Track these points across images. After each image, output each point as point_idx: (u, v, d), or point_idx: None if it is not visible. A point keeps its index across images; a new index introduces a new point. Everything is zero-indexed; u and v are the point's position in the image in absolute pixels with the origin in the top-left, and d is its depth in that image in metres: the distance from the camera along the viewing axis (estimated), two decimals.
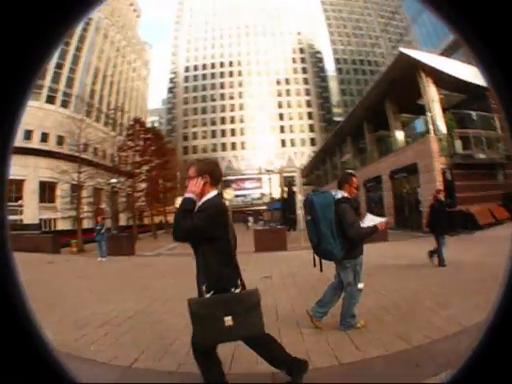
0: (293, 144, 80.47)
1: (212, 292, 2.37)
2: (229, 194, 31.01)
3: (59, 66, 48.56)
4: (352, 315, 4.14)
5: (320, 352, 3.57)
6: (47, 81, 46.83)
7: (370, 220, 4.13)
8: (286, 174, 70.46)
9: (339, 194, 4.06)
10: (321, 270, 4.17)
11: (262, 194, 68.70)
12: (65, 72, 49.28)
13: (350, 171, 4.74)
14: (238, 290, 2.45)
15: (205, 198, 2.57)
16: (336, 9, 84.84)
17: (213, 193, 2.61)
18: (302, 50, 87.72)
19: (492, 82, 0.61)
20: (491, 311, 0.63)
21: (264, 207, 55.44)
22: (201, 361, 2.54)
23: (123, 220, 44.94)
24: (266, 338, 2.69)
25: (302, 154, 77.14)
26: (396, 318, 4.56)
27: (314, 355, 3.45)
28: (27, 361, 0.62)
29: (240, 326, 2.29)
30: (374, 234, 4.05)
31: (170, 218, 46.97)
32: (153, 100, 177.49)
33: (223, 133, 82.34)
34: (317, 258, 4.13)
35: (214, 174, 2.67)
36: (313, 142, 78.99)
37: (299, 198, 24.57)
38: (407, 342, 3.70)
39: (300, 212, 23.02)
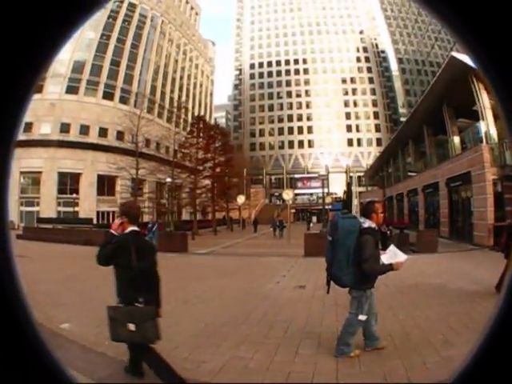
0: (359, 144, 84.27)
1: (122, 303, 3.53)
2: (287, 195, 31.88)
3: (116, 63, 53.50)
4: (346, 343, 4.40)
5: (299, 372, 4.11)
6: (103, 78, 51.83)
7: (392, 254, 4.35)
8: (351, 174, 72.76)
9: (366, 223, 4.25)
10: (327, 292, 4.62)
11: (328, 194, 70.29)
12: (122, 69, 53.94)
13: (372, 199, 5.30)
14: (140, 305, 3.48)
15: (120, 234, 3.67)
16: (395, 8, 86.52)
17: (128, 229, 3.69)
18: (365, 49, 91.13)
19: (490, 82, 0.64)
20: (492, 314, 0.67)
21: (328, 207, 56.38)
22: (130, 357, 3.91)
23: (186, 215, 47.45)
24: (154, 349, 3.63)
25: (369, 154, 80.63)
26: (396, 351, 4.68)
27: (293, 374, 4.05)
28: (25, 361, 0.65)
29: (139, 333, 3.37)
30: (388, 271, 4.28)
31: (233, 215, 50.50)
32: (218, 96, 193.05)
33: (290, 130, 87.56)
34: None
35: (129, 214, 3.78)
36: (379, 142, 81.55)
37: (355, 203, 24.53)
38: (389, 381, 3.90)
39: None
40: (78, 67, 51.10)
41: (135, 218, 3.87)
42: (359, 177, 75.72)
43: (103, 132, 49.02)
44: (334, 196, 62.47)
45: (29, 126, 47.46)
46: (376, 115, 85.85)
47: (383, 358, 4.48)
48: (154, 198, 39.46)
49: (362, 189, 68.72)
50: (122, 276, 3.61)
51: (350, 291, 4.44)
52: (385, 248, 4.56)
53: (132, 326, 3.35)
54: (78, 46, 51.24)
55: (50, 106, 47.93)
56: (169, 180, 32.08)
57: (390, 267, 4.18)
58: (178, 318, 6.45)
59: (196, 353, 4.81)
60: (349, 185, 40.68)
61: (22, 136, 46.33)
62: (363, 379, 3.97)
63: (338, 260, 4.26)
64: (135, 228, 3.75)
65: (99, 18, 52.67)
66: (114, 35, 54.02)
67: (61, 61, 49.98)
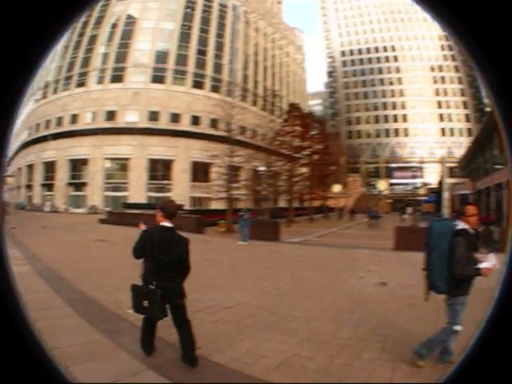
0: (452, 133, 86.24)
1: (142, 284, 4.43)
2: (382, 185, 32.18)
3: (202, 53, 56.13)
4: (430, 348, 4.50)
5: (352, 377, 4.29)
6: (191, 67, 54.54)
7: (490, 260, 4.20)
8: (447, 165, 72.75)
9: (460, 225, 4.31)
10: (425, 300, 4.60)
11: (424, 184, 72.62)
12: (209, 58, 56.52)
13: (467, 200, 5.22)
14: (152, 287, 4.29)
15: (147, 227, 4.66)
16: None
17: (160, 223, 4.49)
18: (447, 38, 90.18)
19: (486, 82, 0.69)
20: (488, 312, 0.73)
21: (423, 198, 56.54)
22: (142, 327, 4.69)
23: (283, 202, 48.75)
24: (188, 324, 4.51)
25: (461, 145, 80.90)
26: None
27: (347, 379, 4.27)
28: (22, 361, 0.69)
29: (149, 309, 4.26)
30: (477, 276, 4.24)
31: (330, 203, 52.41)
32: (314, 84, 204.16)
33: (386, 118, 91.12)
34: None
35: (165, 210, 4.51)
36: (469, 132, 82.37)
37: (445, 196, 24.39)
38: None
39: (446, 210, 23.11)
40: (161, 57, 54.16)
41: (170, 214, 4.52)
42: (451, 168, 75.49)
43: (196, 120, 51.84)
44: (429, 187, 62.63)
45: (112, 115, 51.45)
46: (465, 105, 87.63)
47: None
48: (250, 185, 40.81)
49: (454, 180, 68.66)
50: (147, 263, 4.48)
51: (446, 298, 4.50)
52: (476, 250, 4.46)
53: (146, 303, 4.28)
54: (157, 37, 54.87)
55: (133, 94, 51.27)
56: (262, 168, 33.19)
57: (478, 272, 4.16)
58: (255, 309, 7.03)
59: (260, 347, 5.15)
60: (442, 176, 40.83)
61: (105, 124, 49.83)
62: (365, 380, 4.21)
63: (432, 264, 4.38)
64: (166, 224, 4.44)
65: (175, 8, 56.26)
66: (196, 25, 56.87)
67: (141, 51, 53.49)
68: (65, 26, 0.65)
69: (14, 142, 78.90)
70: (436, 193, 49.23)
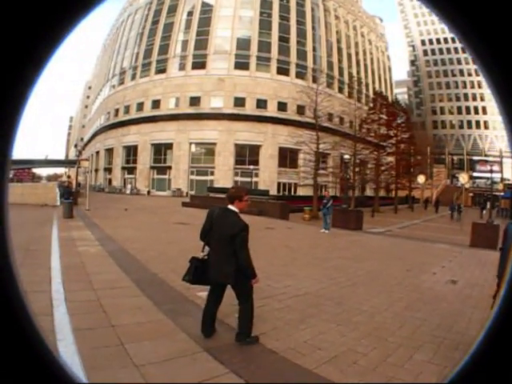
0: None
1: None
2: (463, 179, 34.59)
3: (285, 40, 59.86)
4: None
5: (399, 379, 4.53)
6: (274, 53, 58.47)
7: None
8: None
9: None
10: (492, 307, 5.80)
11: (502, 179, 75.70)
12: (292, 45, 60.19)
13: None
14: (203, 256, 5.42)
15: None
16: None
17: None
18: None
19: (491, 82, 0.74)
20: (494, 311, 0.78)
21: (502, 193, 58.21)
22: (204, 308, 5.45)
23: (370, 191, 52.81)
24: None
25: None
26: None
27: (393, 379, 4.49)
28: (26, 361, 0.73)
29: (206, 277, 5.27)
30: None
31: (415, 193, 55.84)
32: (399, 71, 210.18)
33: (467, 110, 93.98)
34: None
35: (226, 194, 5.42)
36: None
37: None
38: None
39: None
40: (243, 44, 58.21)
41: (228, 197, 5.25)
42: None
43: (282, 106, 55.47)
44: (507, 182, 63.85)
45: (196, 100, 56.02)
46: None
47: None
48: (337, 172, 44.32)
49: None
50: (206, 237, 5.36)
51: None
52: None
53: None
54: (237, 24, 58.93)
55: (218, 81, 55.71)
56: (347, 156, 36.00)
57: None
58: (322, 299, 7.54)
59: (318, 338, 5.54)
60: None
61: (189, 109, 54.62)
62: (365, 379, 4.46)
63: (505, 269, 4.89)
64: (229, 206, 5.21)
65: None
66: (275, 13, 60.30)
67: (222, 38, 57.92)
68: (71, 26, 0.70)
69: (89, 127, 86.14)
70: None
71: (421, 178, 46.65)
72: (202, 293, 6.82)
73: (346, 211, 24.52)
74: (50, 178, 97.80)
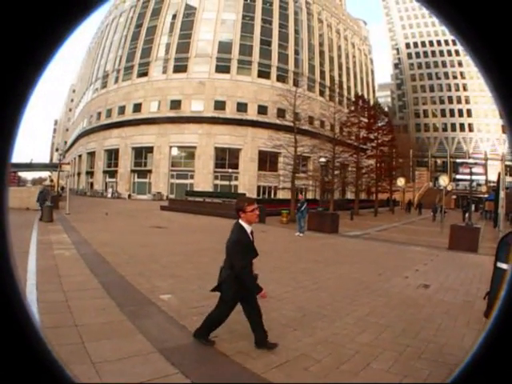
0: None
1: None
2: (444, 181, 34.41)
3: (266, 43, 59.73)
4: None
5: None
6: (255, 57, 58.36)
7: None
8: (507, 163, 75.16)
9: None
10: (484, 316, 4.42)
11: (486, 182, 76.24)
12: (274, 48, 60.11)
13: None
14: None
15: None
16: None
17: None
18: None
19: (491, 82, 0.73)
20: (495, 311, 0.76)
21: (486, 196, 58.66)
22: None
23: (350, 194, 52.49)
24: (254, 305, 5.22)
25: None
26: None
27: None
28: (24, 361, 0.72)
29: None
30: None
31: (397, 196, 55.80)
32: (382, 75, 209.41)
33: (451, 112, 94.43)
34: None
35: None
36: None
37: (501, 195, 25.08)
38: None
39: (501, 211, 24.22)
40: (224, 47, 58.04)
41: (235, 210, 5.22)
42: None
43: (263, 109, 55.30)
44: (491, 185, 64.70)
45: (177, 104, 55.87)
46: None
47: None
48: (316, 175, 44.03)
49: None
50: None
51: None
52: None
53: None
54: (220, 28, 58.74)
55: (198, 84, 55.43)
56: (322, 160, 35.74)
57: None
58: (283, 303, 7.50)
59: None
60: (499, 175, 42.64)
61: (169, 113, 54.40)
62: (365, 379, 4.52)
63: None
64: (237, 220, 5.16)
65: None
66: (258, 16, 60.19)
67: (204, 41, 57.60)
68: (71, 27, 0.70)
69: (73, 131, 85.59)
70: (496, 191, 50.92)
71: (400, 181, 46.62)
72: (165, 295, 7.47)
73: (322, 214, 24.36)
74: (35, 182, 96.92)
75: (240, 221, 5.07)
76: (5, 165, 0.70)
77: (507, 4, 0.64)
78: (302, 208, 20.92)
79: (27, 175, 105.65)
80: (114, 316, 6.22)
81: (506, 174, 79.92)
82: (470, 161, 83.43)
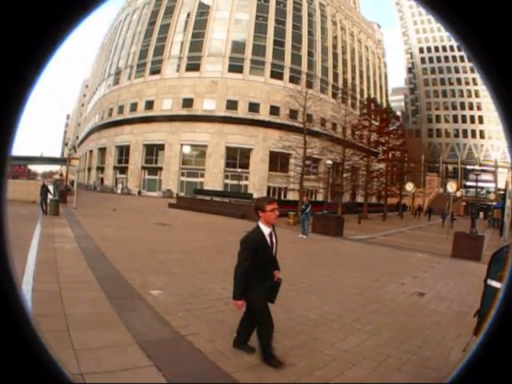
0: None
1: None
2: (451, 187, 34.14)
3: (280, 44, 59.77)
4: None
5: None
6: (268, 57, 58.42)
7: None
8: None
9: None
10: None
11: (496, 189, 76.33)
12: (287, 49, 60.10)
13: None
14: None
15: None
16: None
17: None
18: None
19: (489, 83, 0.73)
20: (494, 311, 0.77)
21: (494, 203, 58.45)
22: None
23: (360, 198, 52.34)
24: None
25: None
26: None
27: None
28: (22, 361, 0.72)
29: None
30: None
31: (407, 201, 55.56)
32: (396, 79, 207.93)
33: (463, 119, 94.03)
34: None
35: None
36: None
37: (508, 204, 24.65)
38: None
39: (507, 220, 23.81)
40: (238, 47, 58.25)
41: (254, 211, 5.09)
42: None
43: (275, 110, 55.05)
44: (500, 193, 65.02)
45: (189, 102, 56.02)
46: None
47: None
48: (325, 178, 43.99)
49: None
50: None
51: None
52: None
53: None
54: (233, 27, 58.85)
55: (211, 83, 55.61)
56: (329, 162, 35.47)
57: None
58: (271, 305, 6.58)
59: (250, 344, 5.26)
60: (506, 183, 42.44)
61: (182, 111, 54.61)
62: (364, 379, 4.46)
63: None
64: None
65: None
66: (271, 17, 60.19)
67: (217, 40, 57.80)
68: (71, 27, 0.71)
69: (84, 126, 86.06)
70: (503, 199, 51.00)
71: (409, 186, 46.34)
72: (155, 291, 7.54)
73: (327, 217, 24.17)
74: (45, 176, 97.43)
75: (259, 222, 4.93)
76: (4, 161, 0.71)
77: (505, 5, 0.65)
78: (307, 210, 20.97)
79: (37, 168, 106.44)
80: (103, 308, 6.41)
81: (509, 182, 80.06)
82: (479, 168, 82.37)
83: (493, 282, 3.29)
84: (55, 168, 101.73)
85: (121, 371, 4.27)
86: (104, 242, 12.85)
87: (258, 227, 4.91)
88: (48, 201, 21.99)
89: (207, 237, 17.08)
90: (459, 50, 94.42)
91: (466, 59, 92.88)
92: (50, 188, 24.55)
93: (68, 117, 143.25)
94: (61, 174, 62.62)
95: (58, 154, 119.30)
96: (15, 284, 0.74)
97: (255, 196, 44.96)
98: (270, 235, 4.94)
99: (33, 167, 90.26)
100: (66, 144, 74.24)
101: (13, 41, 0.64)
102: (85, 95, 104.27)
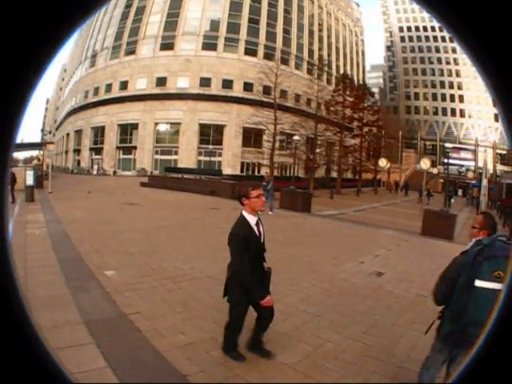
0: None
1: None
2: (425, 164, 33.86)
3: (254, 21, 59.19)
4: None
5: None
6: (242, 35, 58.01)
7: None
8: (498, 151, 77.63)
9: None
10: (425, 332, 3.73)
11: (476, 168, 76.63)
12: (262, 27, 59.59)
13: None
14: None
15: None
16: None
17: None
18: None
19: (488, 82, 0.71)
20: (495, 311, 0.75)
21: (473, 182, 59.03)
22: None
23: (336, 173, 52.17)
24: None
25: None
26: None
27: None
28: (22, 361, 0.72)
29: None
30: None
31: (383, 177, 55.21)
32: (375, 56, 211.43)
33: (443, 97, 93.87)
34: None
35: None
36: None
37: (484, 183, 24.52)
38: None
39: (483, 199, 23.70)
40: (212, 25, 57.63)
41: (237, 199, 4.54)
42: (503, 155, 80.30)
43: (249, 86, 54.43)
44: (480, 171, 66.01)
45: (163, 81, 55.62)
46: None
47: None
48: (295, 153, 43.78)
49: (507, 168, 71.76)
50: None
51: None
52: None
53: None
54: (208, 6, 58.07)
55: (184, 61, 55.15)
56: (296, 138, 35.07)
57: None
58: (217, 283, 6.58)
59: (188, 324, 5.44)
60: (484, 163, 42.46)
61: (156, 90, 54.16)
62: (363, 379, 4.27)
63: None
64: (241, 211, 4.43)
65: None
66: None
67: (191, 19, 57.07)
68: (71, 29, 0.70)
69: (62, 110, 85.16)
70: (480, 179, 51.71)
71: (382, 162, 46.13)
72: (109, 272, 7.70)
73: (294, 192, 23.40)
74: (26, 161, 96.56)
75: (243, 212, 4.41)
76: (6, 163, 0.71)
77: (504, 5, 0.64)
78: (269, 186, 19.97)
79: (19, 155, 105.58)
80: (60, 290, 6.55)
81: (497, 163, 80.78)
82: (459, 146, 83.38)
83: (484, 283, 2.91)
84: (35, 153, 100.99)
85: (66, 348, 4.38)
86: (71, 224, 12.97)
87: (242, 217, 4.40)
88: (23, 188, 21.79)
89: (172, 215, 17.03)
90: (441, 30, 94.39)
91: (447, 39, 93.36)
92: (30, 175, 23.92)
93: (47, 101, 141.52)
94: (39, 159, 62.13)
95: (39, 139, 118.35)
96: (16, 284, 0.75)
97: (229, 172, 45.25)
98: (257, 224, 4.44)
99: (14, 154, 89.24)
100: (42, 130, 73.22)
101: (14, 44, 0.64)
102: (63, 79, 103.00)
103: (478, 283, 2.92)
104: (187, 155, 53.52)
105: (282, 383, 4.11)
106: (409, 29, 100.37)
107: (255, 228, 4.39)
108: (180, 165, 50.21)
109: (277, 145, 40.37)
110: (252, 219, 4.38)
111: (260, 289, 4.29)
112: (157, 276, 7.61)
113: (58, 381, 0.75)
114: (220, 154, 53.77)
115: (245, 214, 4.39)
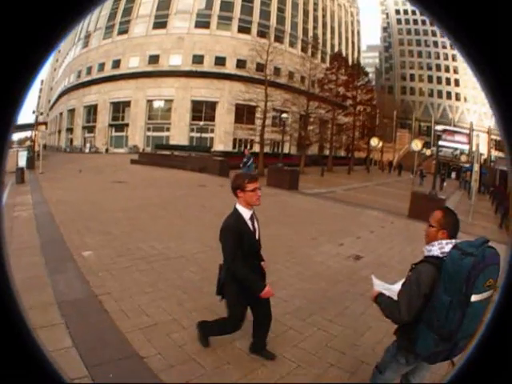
0: None
1: None
2: (416, 145, 33.53)
3: (249, 0, 58.76)
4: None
5: None
6: (236, 13, 57.64)
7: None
8: (493, 137, 77.95)
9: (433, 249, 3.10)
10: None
11: (470, 151, 76.34)
12: (256, 5, 59.19)
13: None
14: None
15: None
16: None
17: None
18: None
19: (484, 83, 0.73)
20: (490, 311, 0.78)
21: (467, 165, 59.11)
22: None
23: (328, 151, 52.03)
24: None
25: None
26: None
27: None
28: (17, 361, 0.73)
29: None
30: None
31: (376, 156, 55.84)
32: (372, 36, 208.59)
33: (439, 80, 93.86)
34: None
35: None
36: None
37: (475, 168, 24.49)
38: None
39: (474, 184, 23.68)
40: (205, 3, 57.15)
41: (232, 191, 4.02)
42: (498, 141, 79.08)
43: (242, 63, 53.82)
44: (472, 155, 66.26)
45: (155, 59, 55.35)
46: None
47: None
48: (287, 130, 43.51)
49: (502, 154, 71.82)
50: None
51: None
52: None
53: None
54: None
55: (177, 39, 54.83)
56: (284, 115, 34.63)
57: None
58: (189, 264, 7.36)
59: (153, 305, 5.45)
60: (477, 146, 42.42)
61: (148, 67, 54.17)
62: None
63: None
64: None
65: None
66: None
67: None
68: (65, 31, 0.70)
69: (56, 90, 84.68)
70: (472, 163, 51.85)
71: (374, 141, 46.00)
72: (86, 252, 7.67)
73: (281, 170, 22.89)
74: (21, 142, 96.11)
75: (237, 205, 4.04)
76: (1, 162, 0.73)
77: (500, 7, 0.65)
78: (249, 163, 19.96)
79: (13, 137, 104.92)
80: (39, 271, 6.53)
81: (492, 148, 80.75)
82: (455, 129, 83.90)
83: (479, 296, 2.66)
84: (30, 134, 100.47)
85: (37, 328, 4.29)
86: (57, 205, 12.78)
87: (236, 211, 4.03)
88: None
89: (157, 193, 16.75)
90: None
91: None
92: (23, 155, 23.77)
93: (42, 82, 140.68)
94: (32, 140, 61.96)
95: (32, 120, 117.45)
96: (9, 280, 0.77)
97: (221, 149, 45.08)
98: (252, 219, 4.11)
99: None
100: (34, 111, 72.76)
101: (10, 44, 0.65)
102: (57, 60, 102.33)
103: (474, 298, 2.68)
104: (179, 132, 53.48)
105: (280, 383, 3.92)
106: (405, 12, 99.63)
107: (249, 223, 4.07)
108: (172, 141, 50.02)
109: (269, 122, 40.24)
110: (246, 213, 4.05)
111: (258, 282, 4.00)
112: (131, 256, 7.60)
113: (52, 380, 0.77)
114: (212, 131, 53.81)
115: (238, 207, 4.04)
